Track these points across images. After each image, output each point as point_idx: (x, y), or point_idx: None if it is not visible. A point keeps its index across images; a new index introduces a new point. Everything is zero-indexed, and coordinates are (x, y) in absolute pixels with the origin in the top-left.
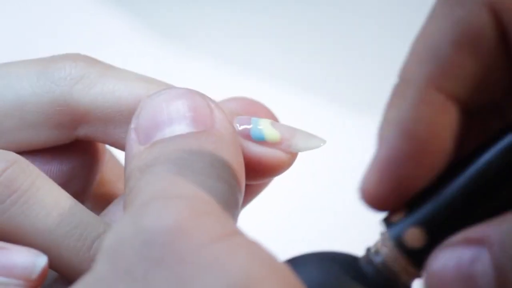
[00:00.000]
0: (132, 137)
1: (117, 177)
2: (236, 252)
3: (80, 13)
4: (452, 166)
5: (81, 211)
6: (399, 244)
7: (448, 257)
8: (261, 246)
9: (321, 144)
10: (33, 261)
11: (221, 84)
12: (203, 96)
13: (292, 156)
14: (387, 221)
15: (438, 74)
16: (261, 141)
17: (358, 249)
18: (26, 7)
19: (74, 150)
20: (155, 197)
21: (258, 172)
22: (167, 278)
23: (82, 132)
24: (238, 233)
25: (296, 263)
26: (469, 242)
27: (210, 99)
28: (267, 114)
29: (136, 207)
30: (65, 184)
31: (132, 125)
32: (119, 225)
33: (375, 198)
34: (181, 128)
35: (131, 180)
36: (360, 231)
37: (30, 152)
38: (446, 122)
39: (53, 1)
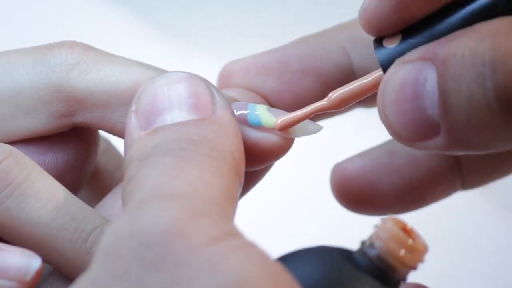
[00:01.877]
0: (132, 121)
1: (115, 167)
2: (232, 254)
3: (80, 12)
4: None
5: (77, 204)
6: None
7: (402, 73)
8: (258, 247)
9: (318, 129)
10: (28, 262)
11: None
12: (204, 81)
13: (289, 141)
14: (379, 44)
15: None
16: (258, 126)
17: (353, 244)
18: (26, 7)
19: (70, 141)
20: (152, 195)
21: (255, 158)
22: (163, 280)
23: (79, 118)
24: (234, 234)
25: (291, 259)
26: (423, 59)
27: (211, 84)
28: (264, 101)
29: (133, 206)
30: (61, 174)
31: (133, 108)
32: (116, 225)
33: (374, 19)
34: (181, 114)
35: (130, 168)
36: (355, 226)
37: (26, 143)
38: None
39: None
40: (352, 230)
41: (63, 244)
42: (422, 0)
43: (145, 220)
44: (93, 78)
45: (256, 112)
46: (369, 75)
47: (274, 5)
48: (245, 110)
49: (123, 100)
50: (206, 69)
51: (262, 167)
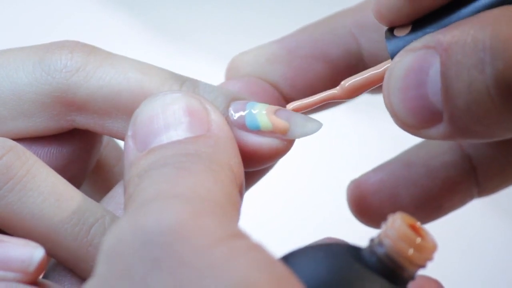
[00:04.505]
0: (130, 145)
1: (116, 160)
2: (236, 256)
3: (80, 12)
4: None
5: (78, 197)
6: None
7: (407, 61)
8: (264, 250)
9: (317, 129)
10: (31, 253)
11: (219, 81)
12: (199, 98)
13: (289, 143)
14: (391, 34)
15: None
16: (256, 130)
17: (362, 238)
18: (26, 7)
19: (74, 133)
20: (154, 197)
21: (254, 161)
22: (166, 280)
23: (80, 123)
24: (239, 236)
25: (298, 257)
26: (427, 47)
27: (206, 100)
28: (266, 94)
29: (135, 208)
30: (65, 166)
31: (129, 133)
32: (118, 226)
33: (387, 10)
34: (178, 133)
35: (130, 187)
36: (360, 224)
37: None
38: None
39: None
40: (360, 226)
41: (65, 237)
42: None
43: (147, 220)
44: (93, 86)
45: (254, 112)
46: (380, 65)
47: (275, 5)
48: (244, 110)
49: (123, 111)
50: (205, 69)
51: (262, 168)
